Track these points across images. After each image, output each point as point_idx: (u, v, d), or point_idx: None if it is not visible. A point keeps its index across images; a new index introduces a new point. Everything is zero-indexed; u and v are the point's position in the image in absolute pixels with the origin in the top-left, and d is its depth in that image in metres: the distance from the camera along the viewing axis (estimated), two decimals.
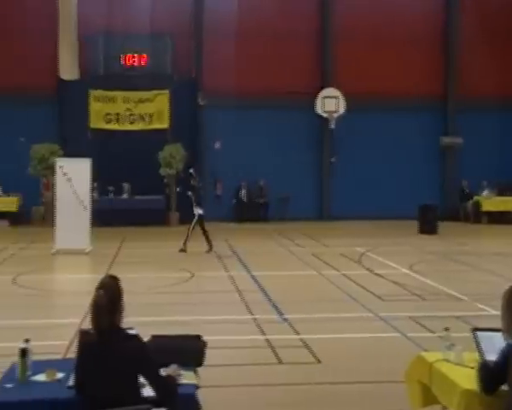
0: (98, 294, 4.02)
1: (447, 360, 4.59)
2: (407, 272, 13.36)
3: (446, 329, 4.88)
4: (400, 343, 8.09)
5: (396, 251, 16.39)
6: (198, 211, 16.33)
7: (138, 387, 4.08)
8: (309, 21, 24.51)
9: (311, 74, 24.34)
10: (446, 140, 24.97)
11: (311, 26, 24.51)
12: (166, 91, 22.99)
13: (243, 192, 24.06)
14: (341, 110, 23.86)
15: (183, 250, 16.05)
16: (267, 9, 24.01)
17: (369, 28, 24.19)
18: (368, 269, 13.65)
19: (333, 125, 24.02)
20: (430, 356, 4.79)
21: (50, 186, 20.78)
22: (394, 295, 11.06)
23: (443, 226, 20.55)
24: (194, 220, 16.25)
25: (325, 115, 24.04)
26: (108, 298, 4.00)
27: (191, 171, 17.32)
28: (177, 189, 16.59)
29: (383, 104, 24.07)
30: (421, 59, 24.67)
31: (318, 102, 24.03)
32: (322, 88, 24.16)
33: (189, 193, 16.61)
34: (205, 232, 16.29)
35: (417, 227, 20.27)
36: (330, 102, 23.88)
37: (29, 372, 4.41)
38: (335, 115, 23.89)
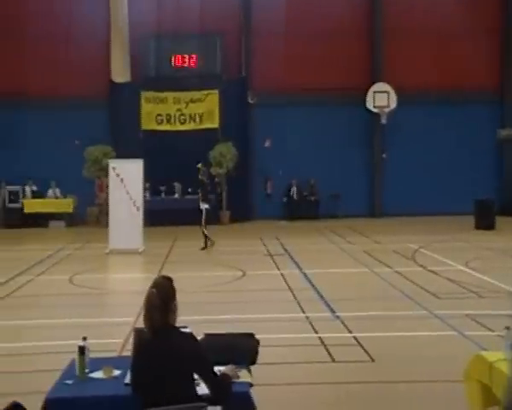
0: (151, 292, 4.06)
1: (509, 360, 4.44)
2: (463, 268, 13.06)
3: (507, 328, 4.72)
4: (457, 342, 7.90)
5: (451, 247, 16.05)
6: (204, 206, 16.55)
7: (193, 385, 4.09)
8: (359, 16, 24.25)
9: (362, 70, 24.08)
10: (503, 133, 24.27)
11: (360, 21, 24.25)
12: (216, 91, 23.11)
13: (294, 190, 24.00)
14: (393, 105, 23.49)
15: (204, 248, 16.19)
16: (316, 6, 23.87)
17: (418, 21, 23.75)
18: (422, 266, 13.41)
19: (384, 121, 23.68)
20: (490, 356, 4.65)
21: (104, 187, 21.19)
22: (450, 293, 10.82)
23: (500, 221, 20.03)
24: (203, 216, 16.27)
25: (376, 111, 23.73)
26: (161, 297, 4.04)
27: (199, 165, 17.28)
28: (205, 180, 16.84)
29: (436, 98, 23.62)
30: (475, 50, 24.04)
31: (369, 97, 23.73)
32: (372, 83, 23.86)
33: (206, 205, 16.50)
34: (204, 228, 16.34)
35: (473, 223, 19.81)
36: (381, 97, 23.54)
37: (87, 369, 4.51)
38: (386, 110, 23.54)
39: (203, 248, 16.35)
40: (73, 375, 4.49)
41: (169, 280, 4.17)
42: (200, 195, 16.67)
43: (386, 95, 23.49)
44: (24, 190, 22.94)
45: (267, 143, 23.84)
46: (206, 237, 16.44)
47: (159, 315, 4.01)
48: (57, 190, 23.10)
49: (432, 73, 23.61)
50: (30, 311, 10.47)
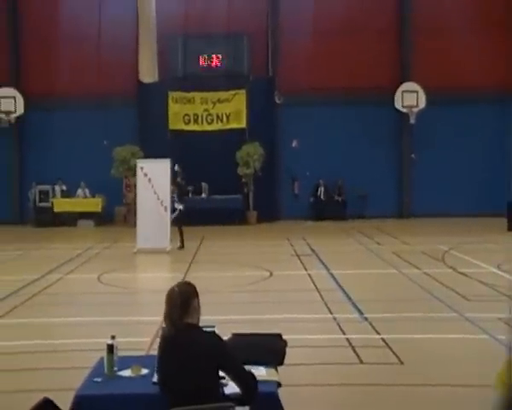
0: (172, 290, 4.12)
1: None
2: (495, 271, 12.83)
3: None
4: (489, 346, 7.77)
5: (482, 249, 15.82)
6: (179, 206, 16.71)
7: (218, 383, 4.09)
8: (387, 16, 24.05)
9: (390, 69, 23.87)
10: None
11: (388, 20, 24.04)
12: (243, 91, 23.13)
13: (321, 190, 23.90)
14: (422, 105, 23.22)
15: (181, 247, 16.34)
16: (343, 5, 23.73)
17: (448, 19, 23.43)
18: (451, 268, 13.23)
19: (413, 121, 23.43)
20: None
21: (132, 187, 21.35)
22: (481, 295, 10.64)
23: None
24: (175, 214, 16.50)
25: (405, 110, 23.49)
26: (182, 296, 4.08)
27: (176, 168, 17.49)
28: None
29: (466, 97, 23.29)
30: (508, 49, 23.57)
31: (397, 96, 23.51)
32: (401, 82, 23.63)
33: (181, 206, 16.76)
34: (180, 228, 16.39)
35: (506, 225, 19.47)
36: (410, 97, 23.28)
37: (116, 368, 4.54)
38: (415, 110, 23.28)
39: (180, 247, 16.35)
40: (102, 373, 4.53)
41: (191, 284, 4.22)
42: (175, 195, 16.82)
43: (415, 94, 23.22)
44: (54, 190, 23.23)
45: (294, 144, 23.78)
46: (181, 235, 16.44)
47: (179, 313, 4.04)
48: (86, 190, 23.34)
49: (462, 71, 23.27)
50: (60, 309, 10.59)
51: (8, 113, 23.05)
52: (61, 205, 22.96)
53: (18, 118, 23.34)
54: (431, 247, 15.94)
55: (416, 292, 11.08)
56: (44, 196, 22.97)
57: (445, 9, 23.56)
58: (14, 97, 23.05)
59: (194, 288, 4.18)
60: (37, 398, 4.29)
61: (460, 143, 23.58)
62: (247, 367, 4.27)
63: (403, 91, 23.45)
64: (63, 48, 23.45)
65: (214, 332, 4.20)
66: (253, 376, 4.15)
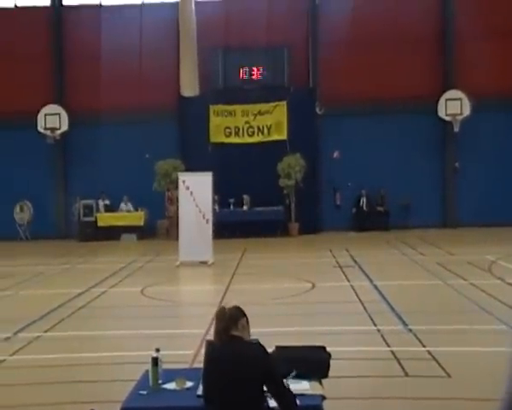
0: (221, 307, 4.17)
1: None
2: None
3: None
4: None
5: None
6: None
7: (263, 395, 4.07)
8: (428, 23, 23.78)
9: (432, 77, 23.56)
10: None
11: (430, 27, 23.76)
12: (284, 103, 23.15)
13: (363, 201, 23.69)
14: (466, 112, 22.80)
15: None
16: (382, 14, 23.59)
17: (491, 24, 23.04)
18: (499, 278, 12.91)
19: (457, 129, 23.04)
20: None
21: (174, 200, 21.53)
22: None
23: None
24: None
25: (448, 119, 23.12)
26: (230, 312, 4.11)
27: None
28: None
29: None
30: None
31: (441, 105, 23.16)
32: (444, 90, 23.28)
33: None
34: None
35: None
36: (454, 105, 22.89)
37: (160, 380, 4.56)
38: (459, 118, 22.89)
39: None
40: (147, 385, 4.57)
41: (240, 308, 4.25)
42: None
43: (458, 102, 22.82)
44: (97, 204, 23.59)
45: (336, 155, 23.66)
46: None
47: (225, 326, 4.07)
48: (129, 204, 23.64)
49: (507, 76, 22.81)
50: (104, 322, 10.72)
51: (53, 129, 23.57)
52: (104, 219, 23.30)
53: (62, 134, 23.84)
54: (477, 257, 15.59)
55: (462, 303, 10.85)
56: (88, 210, 23.34)
57: (488, 14, 23.16)
58: (59, 114, 23.57)
59: (243, 311, 4.21)
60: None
61: (506, 150, 23.09)
62: (289, 382, 4.25)
63: (446, 99, 23.09)
64: (105, 63, 23.86)
65: (259, 343, 4.19)
66: (292, 395, 4.12)
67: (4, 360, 8.19)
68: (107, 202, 23.70)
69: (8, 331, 9.60)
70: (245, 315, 4.18)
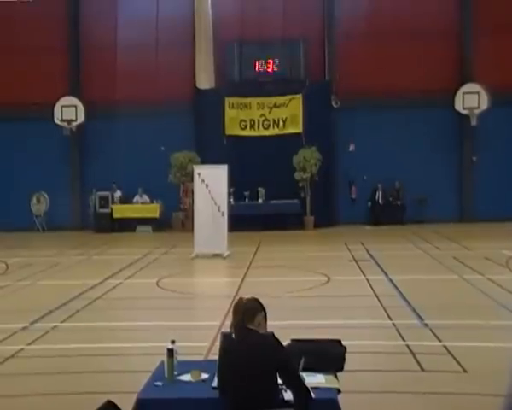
0: (239, 299, 4.16)
1: None
2: None
3: None
4: None
5: None
6: None
7: (277, 388, 4.07)
8: (445, 15, 23.54)
9: (449, 70, 23.35)
10: None
11: (447, 19, 23.53)
12: (300, 96, 23.07)
13: (379, 194, 23.59)
14: (483, 106, 22.59)
15: None
16: (399, 7, 23.39)
17: (509, 17, 22.78)
18: None
19: (474, 122, 22.85)
20: None
21: (189, 193, 21.57)
22: None
23: None
24: None
25: (465, 112, 22.93)
26: (247, 304, 4.10)
27: None
28: None
29: None
30: None
31: (458, 98, 22.96)
32: (461, 83, 23.08)
33: None
34: None
35: None
36: (471, 98, 22.69)
37: (176, 372, 4.58)
38: (477, 112, 22.69)
39: None
40: (163, 377, 4.59)
41: (258, 300, 4.26)
42: None
43: (476, 95, 22.62)
44: (113, 196, 23.69)
45: (351, 148, 23.57)
46: None
47: (241, 318, 4.07)
48: (144, 196, 23.72)
49: None
50: (120, 313, 10.78)
51: (69, 121, 23.70)
52: (119, 211, 23.39)
53: (79, 126, 23.96)
54: (494, 252, 15.47)
55: (478, 299, 10.78)
56: (104, 202, 23.43)
57: (506, 7, 22.91)
58: (76, 106, 23.69)
59: (261, 304, 4.20)
60: (99, 400, 4.36)
61: None
62: (304, 375, 4.24)
63: (463, 93, 22.89)
64: (121, 56, 23.92)
65: (273, 335, 4.19)
66: (306, 387, 4.12)
67: (22, 350, 8.27)
68: (122, 193, 23.76)
69: (25, 321, 9.69)
70: (263, 309, 4.17)
